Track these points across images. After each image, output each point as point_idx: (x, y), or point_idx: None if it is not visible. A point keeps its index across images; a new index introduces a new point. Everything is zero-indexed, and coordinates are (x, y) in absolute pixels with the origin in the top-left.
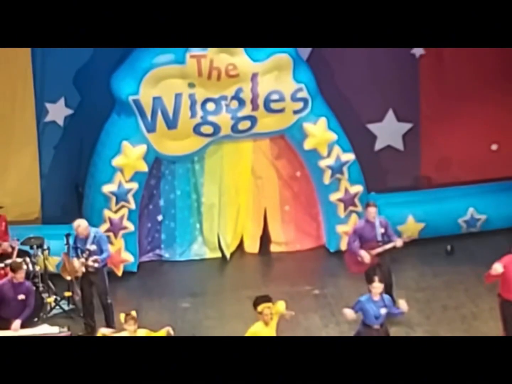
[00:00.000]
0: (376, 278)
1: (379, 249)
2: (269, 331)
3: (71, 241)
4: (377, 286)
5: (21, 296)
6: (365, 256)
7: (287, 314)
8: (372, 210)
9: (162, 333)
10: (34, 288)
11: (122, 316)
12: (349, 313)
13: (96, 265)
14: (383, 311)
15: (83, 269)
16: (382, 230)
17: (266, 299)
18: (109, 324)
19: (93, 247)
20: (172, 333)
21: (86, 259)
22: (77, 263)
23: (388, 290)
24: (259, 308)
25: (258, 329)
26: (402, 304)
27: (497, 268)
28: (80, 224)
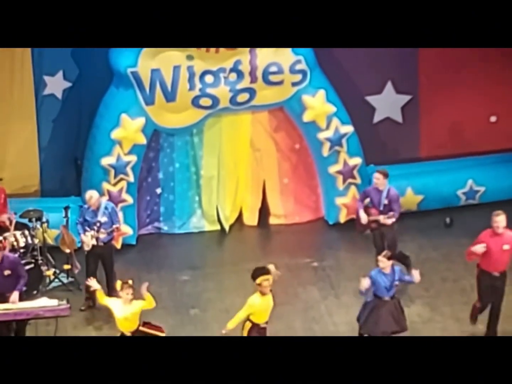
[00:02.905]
0: (384, 253)
1: (372, 218)
2: (266, 302)
3: (76, 216)
4: (383, 261)
5: (7, 272)
6: (362, 217)
7: (275, 274)
8: (377, 176)
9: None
10: (17, 256)
11: (118, 283)
12: (365, 282)
13: (113, 234)
14: (394, 283)
15: (93, 242)
16: (386, 201)
17: (265, 271)
18: (110, 294)
19: (104, 219)
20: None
21: (98, 231)
22: (85, 237)
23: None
24: (258, 280)
25: (255, 301)
26: (416, 274)
27: (479, 249)
28: (92, 196)
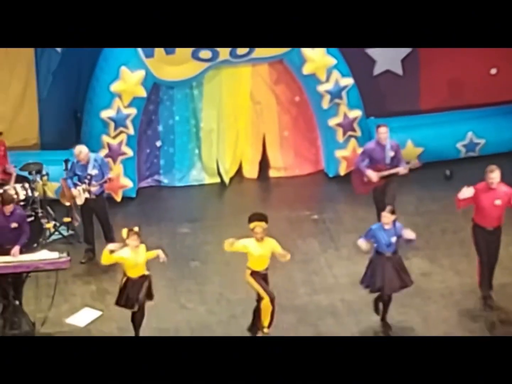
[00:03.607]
0: (388, 209)
1: (385, 172)
2: (262, 249)
3: (68, 170)
4: (387, 216)
5: (14, 224)
6: (372, 176)
7: (281, 255)
8: (383, 130)
9: (153, 253)
10: (25, 213)
11: (124, 231)
12: (363, 244)
13: (105, 186)
14: (394, 239)
15: (86, 195)
16: (392, 154)
17: (260, 217)
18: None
19: (95, 172)
20: (163, 256)
21: (89, 184)
22: (76, 191)
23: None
24: (251, 225)
25: (249, 244)
26: (407, 233)
27: (464, 192)
28: (82, 150)
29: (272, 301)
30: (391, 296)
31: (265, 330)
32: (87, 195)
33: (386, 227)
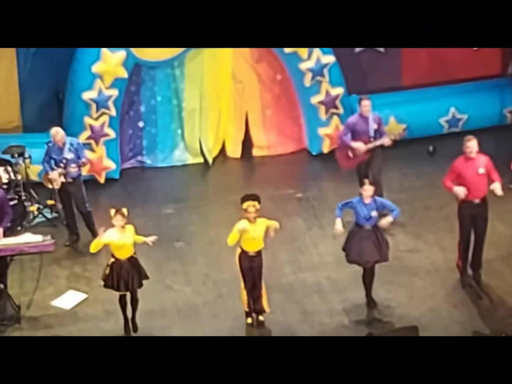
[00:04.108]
0: (367, 181)
1: (370, 145)
2: (254, 231)
3: (44, 154)
4: (368, 189)
5: None
6: (359, 146)
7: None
8: (366, 103)
9: (140, 239)
10: (5, 194)
11: (112, 211)
12: (338, 228)
13: (77, 169)
14: (374, 213)
15: (62, 179)
16: (375, 126)
17: (253, 197)
18: (91, 231)
19: (71, 155)
20: (151, 239)
21: (65, 168)
22: (54, 175)
23: (378, 188)
24: (244, 205)
25: (242, 226)
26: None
27: (460, 193)
28: (58, 131)
29: (248, 291)
30: (374, 271)
31: (260, 317)
32: (63, 179)
33: (366, 200)
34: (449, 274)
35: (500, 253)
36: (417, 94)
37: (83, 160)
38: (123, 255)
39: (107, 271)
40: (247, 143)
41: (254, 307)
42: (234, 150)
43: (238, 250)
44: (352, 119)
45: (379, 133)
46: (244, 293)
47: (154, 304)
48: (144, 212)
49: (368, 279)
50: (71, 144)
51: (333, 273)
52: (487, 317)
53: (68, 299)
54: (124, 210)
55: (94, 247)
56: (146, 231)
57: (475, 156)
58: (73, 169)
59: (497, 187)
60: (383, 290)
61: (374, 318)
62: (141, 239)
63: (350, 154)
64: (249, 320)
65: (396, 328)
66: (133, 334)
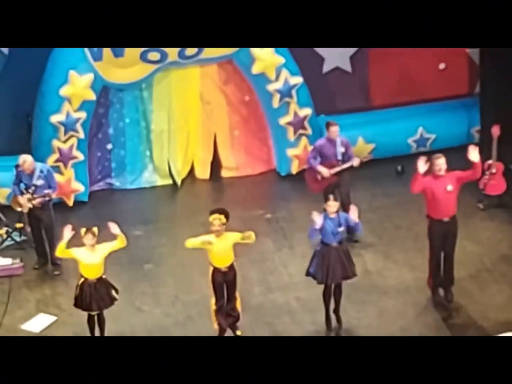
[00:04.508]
0: (331, 197)
1: (338, 168)
2: (221, 245)
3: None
4: (332, 205)
5: None
6: (324, 171)
7: (245, 237)
8: (334, 129)
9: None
10: None
11: (82, 230)
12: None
13: (46, 199)
14: (340, 229)
15: (30, 205)
16: (343, 150)
17: (220, 211)
18: (53, 260)
19: (40, 182)
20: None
21: (32, 194)
22: (22, 199)
23: (346, 210)
24: (211, 218)
25: (207, 239)
26: (353, 212)
27: (420, 166)
28: (26, 160)
29: (219, 307)
30: (341, 288)
31: (238, 332)
32: (30, 205)
33: (332, 215)
34: (419, 293)
35: (469, 272)
36: (385, 114)
37: (49, 191)
38: (92, 275)
39: (77, 291)
40: (215, 164)
41: (228, 322)
42: (203, 172)
43: (211, 268)
44: (320, 142)
45: (347, 156)
46: (215, 313)
47: (124, 326)
48: (113, 234)
49: (336, 297)
50: (41, 171)
51: (303, 293)
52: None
53: (38, 322)
54: (95, 229)
55: (60, 251)
56: (115, 253)
57: (443, 174)
58: (42, 198)
59: (473, 152)
60: (353, 310)
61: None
62: (120, 240)
63: (319, 177)
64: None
65: None
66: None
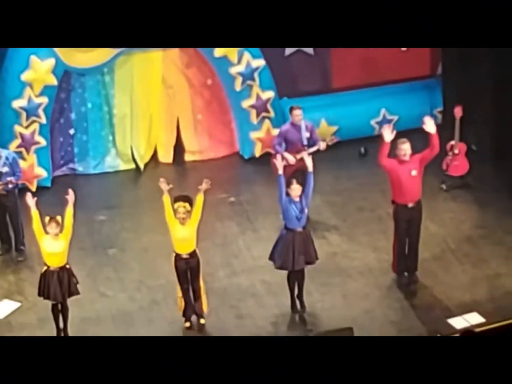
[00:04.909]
0: (294, 181)
1: (304, 153)
2: (185, 232)
3: None
4: (295, 188)
5: None
6: (290, 158)
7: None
8: (297, 112)
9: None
10: None
11: (47, 218)
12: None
13: (10, 186)
14: (303, 212)
15: None
16: (308, 134)
17: (184, 198)
18: (17, 246)
19: (5, 169)
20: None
21: None
22: None
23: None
24: (175, 205)
25: (174, 229)
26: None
27: (385, 134)
28: None
29: (184, 294)
30: (304, 274)
31: (201, 320)
32: None
33: (295, 199)
34: (383, 275)
35: (433, 253)
36: (348, 96)
37: (11, 178)
38: (55, 263)
39: (40, 280)
40: (179, 148)
41: (194, 309)
42: (166, 156)
43: (173, 255)
44: (285, 128)
45: (312, 140)
46: (181, 299)
47: (89, 312)
48: (76, 219)
49: (300, 281)
50: (7, 158)
51: (267, 276)
52: (422, 318)
53: (2, 309)
54: (59, 218)
55: (35, 222)
56: (79, 238)
57: (408, 159)
58: (4, 184)
59: (429, 123)
60: (318, 292)
61: (306, 320)
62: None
63: (284, 163)
64: (187, 324)
65: (331, 329)
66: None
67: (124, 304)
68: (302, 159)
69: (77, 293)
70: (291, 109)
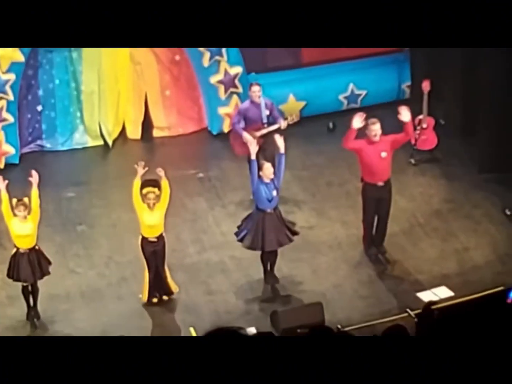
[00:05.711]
0: (265, 162)
1: (264, 131)
2: (152, 218)
3: None
4: (267, 167)
5: None
6: (248, 138)
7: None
8: (255, 89)
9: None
10: None
11: (14, 200)
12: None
13: None
14: (274, 193)
15: None
16: (267, 112)
17: (152, 183)
18: None
19: None
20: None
21: None
22: None
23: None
24: (144, 190)
25: (142, 214)
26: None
27: (355, 122)
28: None
29: (152, 275)
30: (277, 253)
31: (164, 297)
32: None
33: (266, 180)
34: (352, 249)
35: (402, 227)
36: (316, 71)
37: None
38: (24, 245)
39: (10, 261)
40: (147, 124)
41: (159, 291)
42: (134, 132)
43: (140, 237)
44: (244, 106)
45: (272, 118)
46: (146, 280)
47: (58, 289)
48: (45, 196)
49: (272, 259)
50: None
51: (237, 252)
52: (391, 292)
53: None
54: (26, 200)
55: (4, 205)
56: (47, 215)
57: (378, 140)
58: None
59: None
60: (287, 267)
61: (279, 295)
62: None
63: (244, 140)
64: (155, 300)
65: (301, 305)
66: (35, 321)
67: (93, 280)
68: (262, 137)
69: (48, 273)
70: (250, 85)
